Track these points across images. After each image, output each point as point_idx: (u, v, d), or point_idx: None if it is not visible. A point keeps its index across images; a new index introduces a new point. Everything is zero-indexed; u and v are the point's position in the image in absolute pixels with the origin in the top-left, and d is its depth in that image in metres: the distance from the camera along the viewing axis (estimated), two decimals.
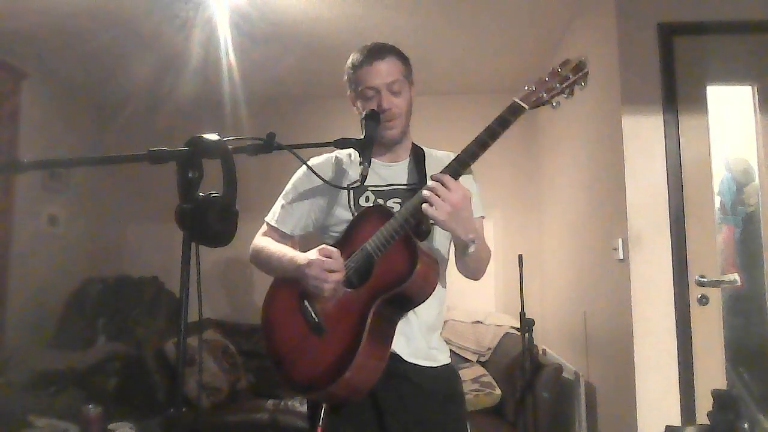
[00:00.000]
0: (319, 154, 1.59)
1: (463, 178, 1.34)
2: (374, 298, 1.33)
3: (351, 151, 1.59)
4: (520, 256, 2.74)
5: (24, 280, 3.51)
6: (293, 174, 1.62)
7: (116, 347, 3.43)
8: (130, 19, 2.97)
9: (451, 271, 1.54)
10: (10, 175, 3.42)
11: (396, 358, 1.41)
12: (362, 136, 1.37)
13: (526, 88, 1.35)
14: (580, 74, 1.32)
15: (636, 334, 2.23)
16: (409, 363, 1.44)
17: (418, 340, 1.47)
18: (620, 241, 2.34)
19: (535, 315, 2.78)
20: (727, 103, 2.45)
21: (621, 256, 2.33)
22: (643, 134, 2.32)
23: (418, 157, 1.58)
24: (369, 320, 1.30)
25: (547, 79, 1.34)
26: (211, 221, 0.90)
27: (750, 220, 2.47)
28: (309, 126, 4.15)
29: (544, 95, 1.33)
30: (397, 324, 1.41)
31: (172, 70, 3.46)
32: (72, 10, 2.88)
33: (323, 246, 1.38)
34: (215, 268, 3.90)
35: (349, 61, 1.52)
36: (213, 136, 0.92)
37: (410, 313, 1.43)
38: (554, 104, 1.35)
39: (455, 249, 1.43)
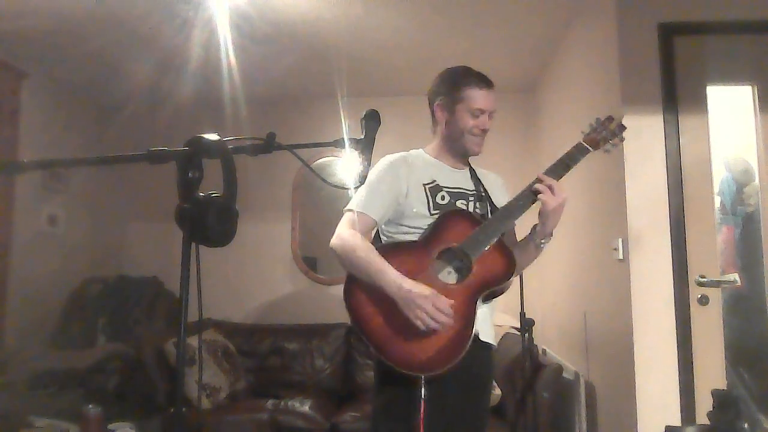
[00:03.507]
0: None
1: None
2: (478, 292, 1.54)
3: (419, 151, 1.82)
4: None
5: (24, 280, 3.51)
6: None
7: (116, 347, 3.42)
8: (130, 20, 2.97)
9: None
10: (10, 175, 3.42)
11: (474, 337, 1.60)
12: (362, 136, 1.37)
13: (583, 132, 1.74)
14: (622, 132, 1.76)
15: (636, 334, 2.22)
16: (481, 341, 1.66)
17: (488, 323, 1.71)
18: (620, 241, 2.34)
19: (535, 315, 2.77)
20: (727, 103, 2.45)
21: (621, 256, 2.33)
22: (643, 134, 2.31)
23: (472, 169, 1.83)
24: (477, 310, 1.52)
25: (597, 128, 1.74)
26: (211, 221, 0.90)
27: (750, 220, 2.47)
28: (309, 126, 4.13)
29: (601, 143, 1.72)
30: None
31: (172, 70, 3.46)
32: (72, 10, 2.88)
33: (438, 293, 1.52)
34: (215, 268, 3.90)
35: (457, 75, 1.74)
36: (213, 136, 0.92)
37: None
38: (605, 150, 1.74)
39: (531, 242, 1.66)
